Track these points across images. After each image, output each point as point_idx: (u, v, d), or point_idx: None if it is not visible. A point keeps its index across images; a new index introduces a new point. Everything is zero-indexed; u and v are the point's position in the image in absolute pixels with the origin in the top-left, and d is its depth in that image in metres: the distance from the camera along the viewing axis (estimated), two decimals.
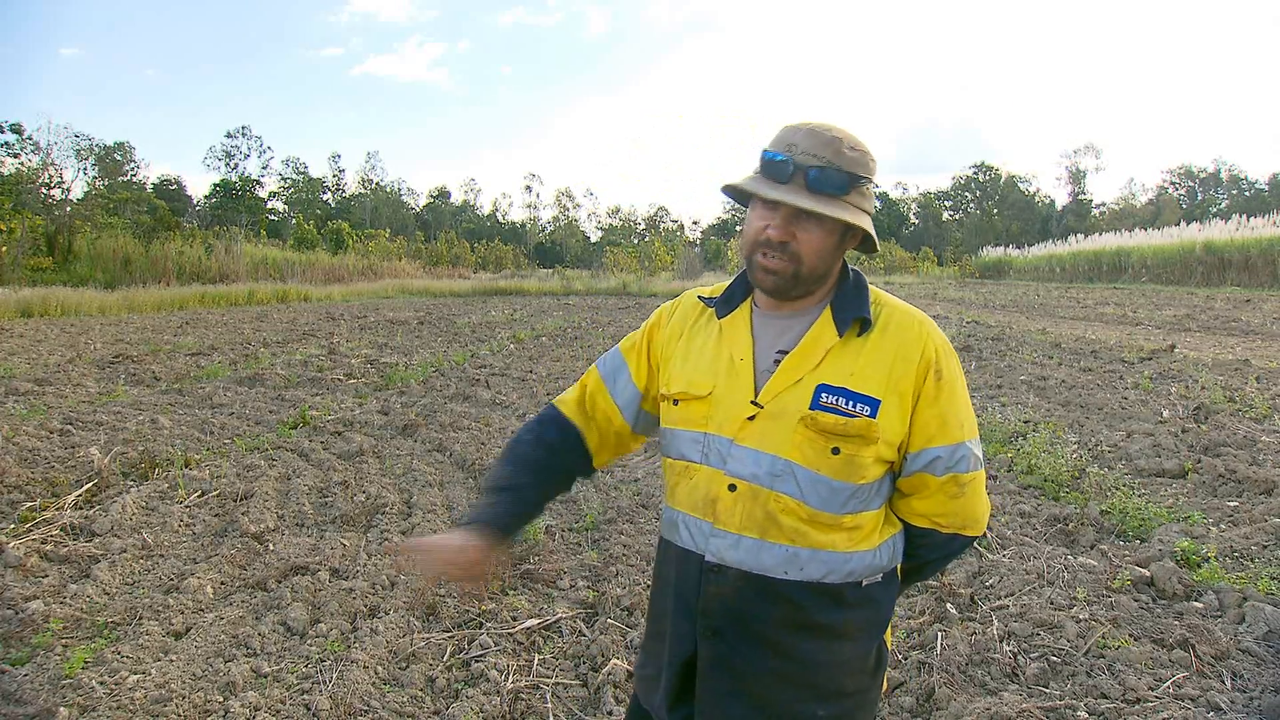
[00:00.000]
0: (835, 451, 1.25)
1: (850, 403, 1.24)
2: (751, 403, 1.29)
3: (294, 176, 72.35)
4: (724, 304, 1.40)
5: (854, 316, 1.28)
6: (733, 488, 1.29)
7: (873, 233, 1.28)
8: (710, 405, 1.32)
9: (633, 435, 1.53)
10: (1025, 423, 6.37)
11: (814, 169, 1.22)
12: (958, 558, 1.47)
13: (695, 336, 1.41)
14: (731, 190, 1.31)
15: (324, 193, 74.40)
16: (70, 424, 6.38)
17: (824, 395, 1.25)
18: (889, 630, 1.39)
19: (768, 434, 1.27)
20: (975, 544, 3.93)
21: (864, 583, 1.30)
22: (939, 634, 3.02)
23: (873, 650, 1.34)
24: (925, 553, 1.38)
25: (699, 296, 1.46)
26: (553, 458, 1.49)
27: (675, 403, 1.38)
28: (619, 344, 1.54)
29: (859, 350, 1.28)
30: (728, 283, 1.43)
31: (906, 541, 1.37)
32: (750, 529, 1.28)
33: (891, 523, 1.35)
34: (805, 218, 1.25)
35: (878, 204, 1.36)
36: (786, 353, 1.30)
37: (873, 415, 1.24)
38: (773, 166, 1.25)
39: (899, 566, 1.38)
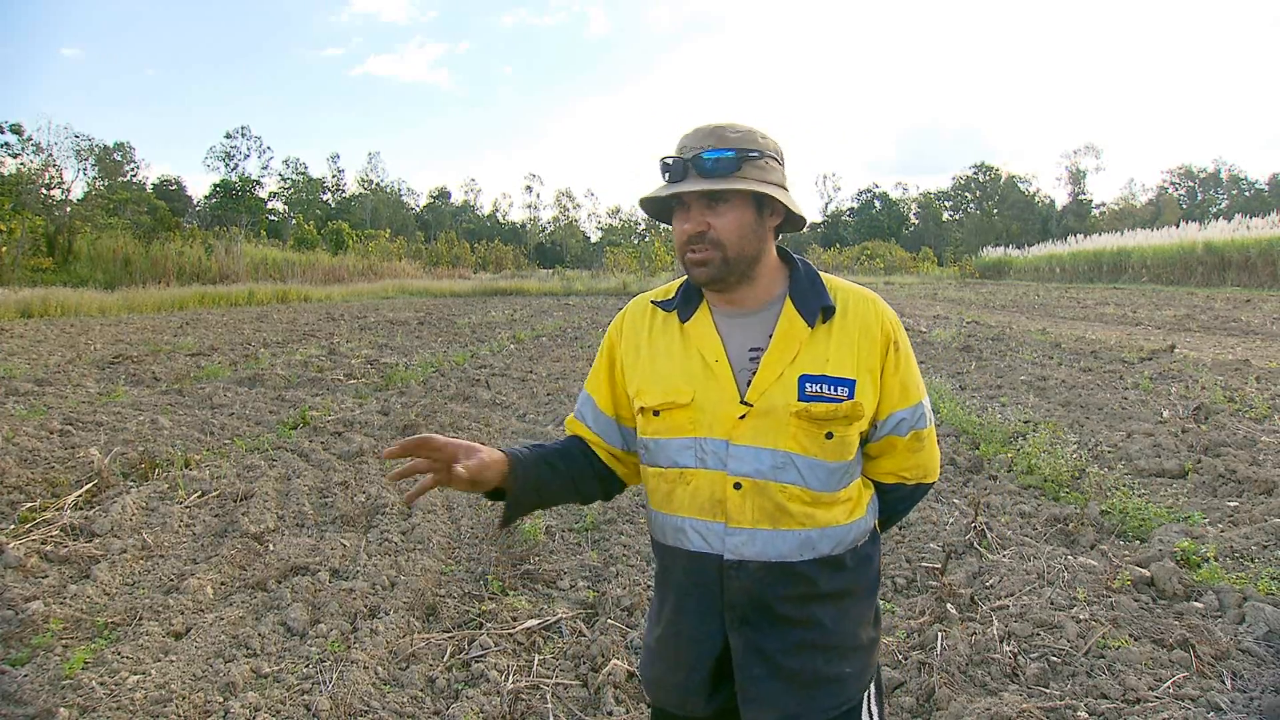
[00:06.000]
0: (829, 436, 1.33)
1: (833, 387, 1.33)
2: (741, 402, 1.33)
3: (294, 177, 72.33)
4: (684, 305, 1.42)
5: (820, 306, 1.35)
6: (738, 486, 1.33)
7: (786, 200, 1.33)
8: (695, 411, 1.35)
9: (626, 452, 1.55)
10: (1025, 423, 6.37)
11: (701, 155, 1.29)
12: (918, 504, 1.69)
13: (657, 343, 1.42)
14: (646, 202, 1.38)
15: (324, 193, 74.37)
16: (70, 424, 6.38)
17: (809, 385, 1.32)
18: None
19: (761, 430, 1.32)
20: (977, 547, 3.94)
21: (859, 545, 1.41)
22: (939, 634, 3.01)
23: (874, 604, 1.47)
24: (895, 504, 1.51)
25: (651, 301, 1.48)
26: (569, 448, 1.52)
27: (656, 413, 1.39)
28: (584, 387, 1.59)
29: (827, 337, 1.35)
30: (676, 284, 1.46)
31: (879, 497, 1.49)
32: (763, 521, 1.34)
33: (867, 485, 1.47)
34: (714, 203, 1.31)
35: (786, 181, 1.38)
36: (760, 349, 1.35)
37: (851, 395, 1.33)
38: (669, 168, 1.33)
39: (877, 522, 1.50)
